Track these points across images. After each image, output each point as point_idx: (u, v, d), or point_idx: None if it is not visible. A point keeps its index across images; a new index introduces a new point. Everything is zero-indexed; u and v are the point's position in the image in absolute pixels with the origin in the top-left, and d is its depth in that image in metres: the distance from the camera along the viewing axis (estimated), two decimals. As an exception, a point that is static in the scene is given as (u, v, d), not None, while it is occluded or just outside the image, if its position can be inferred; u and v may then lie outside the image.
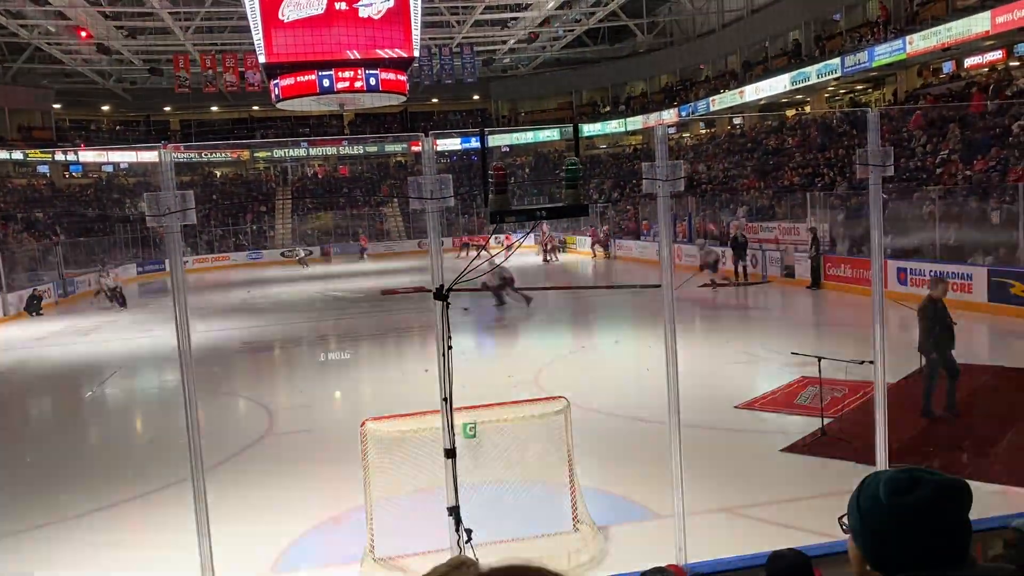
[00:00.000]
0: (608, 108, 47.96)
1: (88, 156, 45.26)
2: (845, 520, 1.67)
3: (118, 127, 49.24)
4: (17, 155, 42.43)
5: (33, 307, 24.64)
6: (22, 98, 42.96)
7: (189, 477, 4.33)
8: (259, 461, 9.48)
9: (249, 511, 7.62)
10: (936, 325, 9.17)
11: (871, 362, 5.40)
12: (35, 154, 43.29)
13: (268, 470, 9.07)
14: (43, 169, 45.31)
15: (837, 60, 30.16)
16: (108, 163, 47.10)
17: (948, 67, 29.13)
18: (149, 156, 43.23)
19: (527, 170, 48.46)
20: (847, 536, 1.66)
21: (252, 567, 6.47)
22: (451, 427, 4.57)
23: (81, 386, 14.55)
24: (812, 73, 31.75)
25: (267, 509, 7.78)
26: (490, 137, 45.13)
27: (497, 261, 12.29)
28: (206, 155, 47.86)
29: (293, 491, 8.24)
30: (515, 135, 49.08)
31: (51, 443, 11.16)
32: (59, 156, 44.36)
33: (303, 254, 38.25)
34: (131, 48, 37.22)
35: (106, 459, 10.16)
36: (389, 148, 50.89)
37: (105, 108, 47.93)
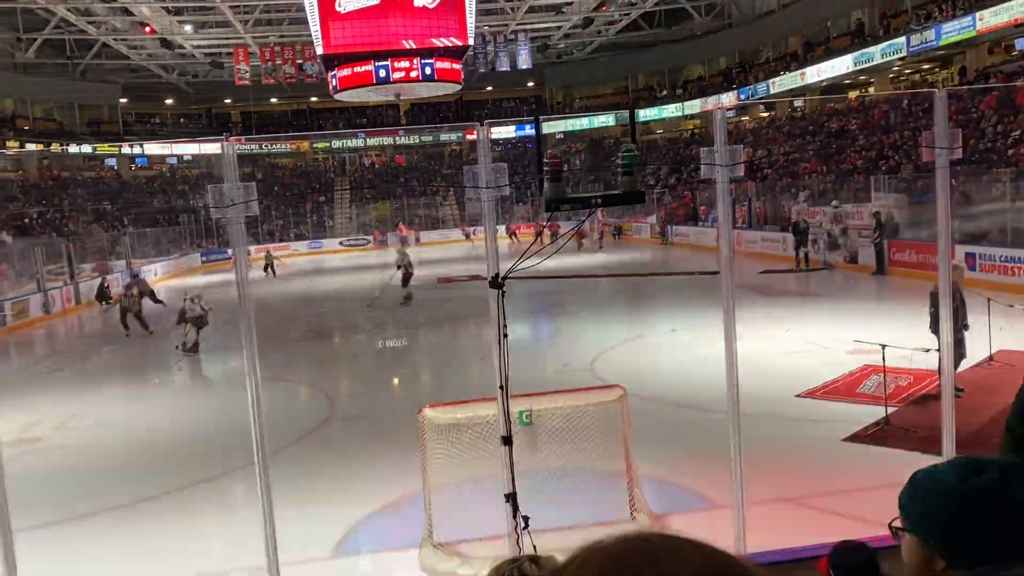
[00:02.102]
0: (665, 92, 47.36)
1: (153, 149, 46.47)
2: (897, 523, 1.62)
3: (181, 120, 50.45)
4: (86, 149, 43.79)
5: (103, 296, 25.47)
6: (91, 93, 44.29)
7: (253, 461, 4.43)
8: (320, 447, 9.66)
9: (311, 495, 7.77)
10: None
11: (937, 350, 5.27)
12: (103, 148, 44.63)
13: (329, 455, 9.24)
14: (111, 162, 46.69)
15: (903, 39, 29.28)
16: (172, 155, 48.33)
17: (1021, 43, 28.02)
18: (211, 148, 44.19)
19: (580, 157, 48.17)
20: (902, 539, 1.60)
21: (314, 550, 6.61)
22: (507, 414, 4.60)
23: (149, 372, 15.00)
24: (876, 53, 30.89)
25: (328, 493, 7.93)
26: (545, 124, 44.95)
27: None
28: (266, 146, 48.74)
29: (353, 476, 8.38)
30: (570, 122, 48.83)
31: (121, 428, 11.53)
32: (125, 149, 45.64)
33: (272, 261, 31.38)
34: (193, 42, 38.05)
35: (173, 444, 10.45)
36: (444, 137, 51.13)
37: (169, 101, 49.13)
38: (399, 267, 21.12)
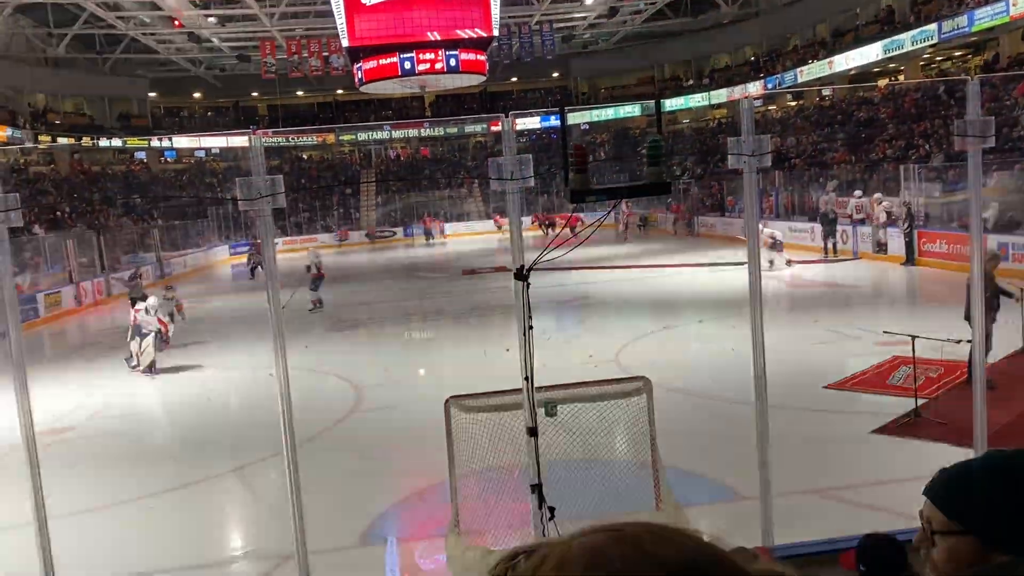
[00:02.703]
0: (691, 82, 46.98)
1: (181, 142, 46.94)
2: (931, 525, 1.56)
3: (209, 113, 50.88)
4: (116, 142, 44.30)
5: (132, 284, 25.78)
6: (120, 88, 44.80)
7: (281, 451, 4.48)
8: (347, 436, 9.74)
9: (338, 484, 7.85)
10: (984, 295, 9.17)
11: (969, 341, 5.20)
12: (133, 141, 45.15)
13: (356, 445, 9.32)
14: (140, 155, 47.22)
15: (934, 26, 28.78)
16: (200, 148, 48.77)
17: (1057, 29, 27.47)
18: (238, 141, 44.55)
19: (605, 148, 47.94)
20: (942, 537, 1.55)
21: (342, 538, 6.67)
22: (533, 405, 4.61)
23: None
24: (906, 40, 30.39)
25: (355, 483, 8.00)
26: (570, 115, 44.78)
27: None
28: (293, 139, 49.05)
29: (380, 466, 8.44)
30: (595, 112, 48.59)
31: (152, 417, 11.71)
32: (155, 143, 46.12)
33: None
34: (220, 36, 38.33)
35: (203, 433, 10.59)
36: (469, 129, 51.10)
37: (197, 95, 49.55)
38: (309, 268, 19.08)
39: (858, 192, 23.90)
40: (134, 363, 14.03)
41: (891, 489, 6.59)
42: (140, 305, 14.26)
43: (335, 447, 9.23)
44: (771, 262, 19.75)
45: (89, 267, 26.31)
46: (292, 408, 4.46)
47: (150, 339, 13.77)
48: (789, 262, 21.04)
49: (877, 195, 22.52)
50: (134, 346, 13.96)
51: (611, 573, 0.78)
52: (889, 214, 21.32)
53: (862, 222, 22.69)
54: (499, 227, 40.31)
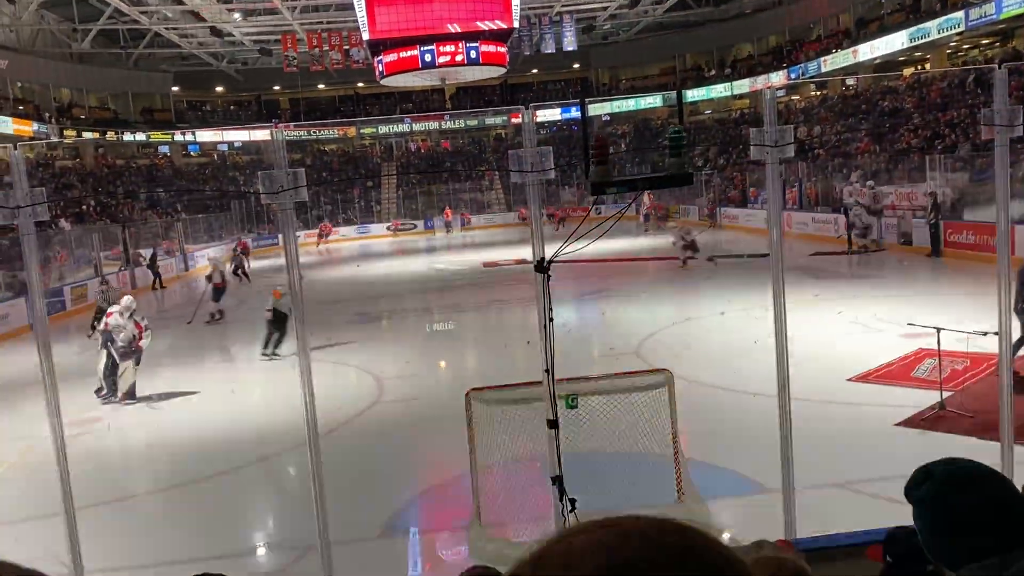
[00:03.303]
0: (713, 72, 46.61)
1: (204, 136, 47.25)
2: None
3: (231, 107, 51.18)
4: (140, 137, 44.68)
5: (153, 267, 26.10)
6: (144, 82, 45.17)
7: (304, 443, 4.51)
8: (369, 428, 9.79)
9: (360, 476, 7.89)
10: None
11: (995, 333, 5.13)
12: (156, 135, 45.52)
13: (378, 437, 9.36)
14: (164, 149, 47.61)
15: (961, 13, 28.34)
16: (223, 142, 49.07)
17: (1087, 15, 26.95)
18: (260, 135, 44.80)
19: (626, 139, 47.71)
20: None
21: (364, 530, 6.71)
22: (553, 398, 4.60)
23: (204, 355, 15.32)
24: (932, 28, 29.96)
25: (377, 474, 8.04)
26: (591, 106, 44.54)
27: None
28: (314, 132, 49.23)
29: (401, 457, 8.48)
30: (616, 103, 48.34)
31: (177, 410, 11.80)
32: (178, 137, 46.47)
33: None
34: (242, 30, 38.52)
35: (227, 425, 10.68)
36: (489, 121, 51.06)
37: (219, 89, 49.85)
38: (210, 279, 18.39)
39: (871, 183, 23.60)
40: (105, 392, 11.76)
41: (916, 482, 6.52)
42: (113, 308, 11.86)
43: (357, 439, 9.28)
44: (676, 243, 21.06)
45: (114, 260, 26.60)
46: (315, 400, 4.48)
47: (129, 362, 11.59)
48: (686, 261, 20.93)
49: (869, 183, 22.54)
50: (101, 367, 11.77)
51: (631, 566, 0.78)
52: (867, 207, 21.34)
53: (876, 213, 22.26)
54: (469, 223, 43.20)
